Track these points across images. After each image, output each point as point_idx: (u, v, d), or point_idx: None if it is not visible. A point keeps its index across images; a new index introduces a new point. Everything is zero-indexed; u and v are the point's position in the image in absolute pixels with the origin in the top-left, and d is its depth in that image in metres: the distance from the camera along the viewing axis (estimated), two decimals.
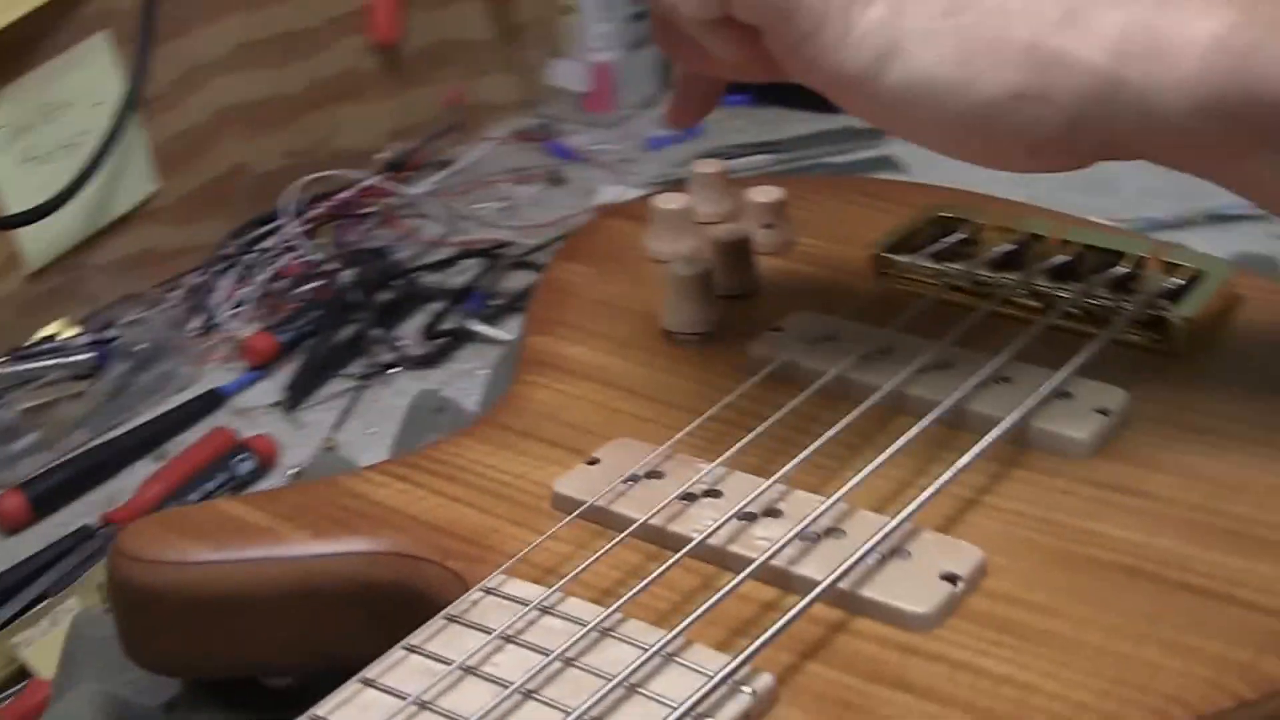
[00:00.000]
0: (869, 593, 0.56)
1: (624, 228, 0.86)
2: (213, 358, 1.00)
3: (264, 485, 0.87)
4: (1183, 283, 0.74)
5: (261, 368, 0.98)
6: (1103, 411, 0.65)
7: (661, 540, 0.59)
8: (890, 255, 0.79)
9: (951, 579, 0.56)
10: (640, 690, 0.51)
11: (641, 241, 0.83)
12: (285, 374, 0.97)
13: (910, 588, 0.56)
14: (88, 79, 1.01)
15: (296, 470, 0.87)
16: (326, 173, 1.16)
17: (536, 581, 0.57)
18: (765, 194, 0.82)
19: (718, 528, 0.58)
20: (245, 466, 0.86)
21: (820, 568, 0.56)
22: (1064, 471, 0.63)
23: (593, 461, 0.64)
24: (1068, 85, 0.57)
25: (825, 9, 0.58)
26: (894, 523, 0.58)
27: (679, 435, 0.65)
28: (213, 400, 0.95)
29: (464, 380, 0.94)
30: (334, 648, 0.62)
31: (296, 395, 0.94)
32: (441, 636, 0.54)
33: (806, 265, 0.81)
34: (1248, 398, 0.68)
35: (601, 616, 0.54)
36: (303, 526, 0.62)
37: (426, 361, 0.97)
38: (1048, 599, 0.56)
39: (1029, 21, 0.58)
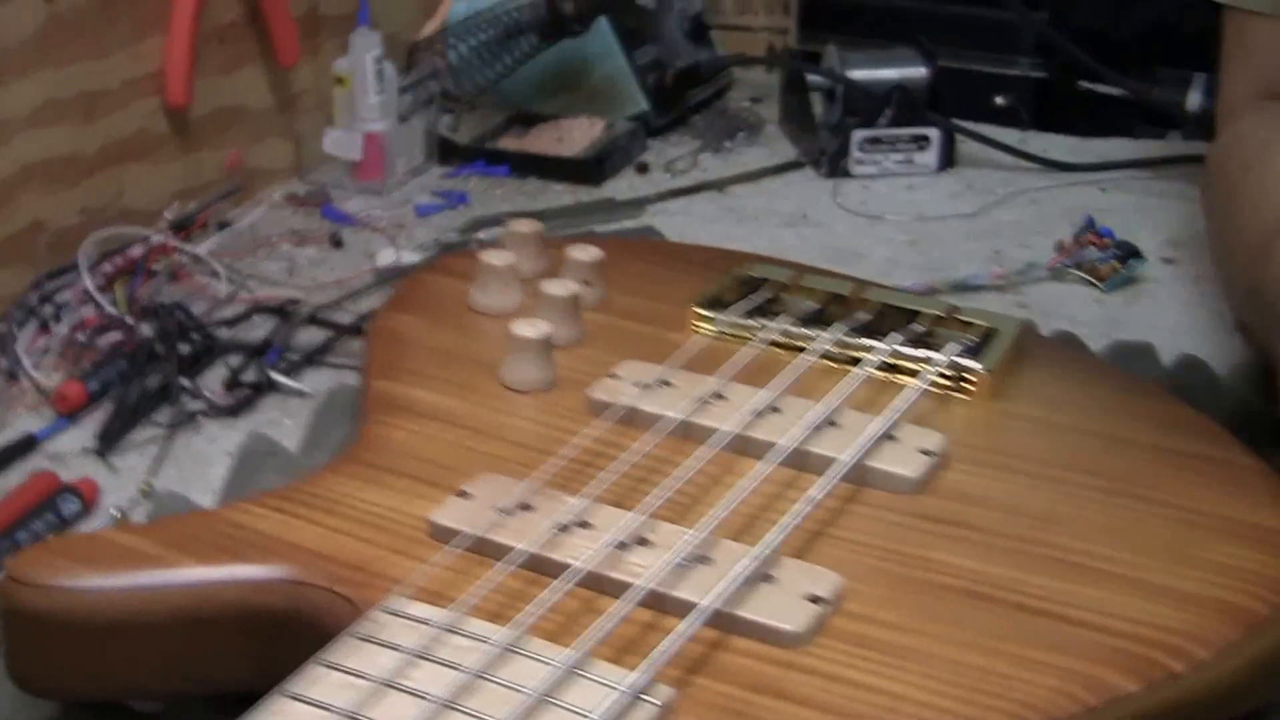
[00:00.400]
0: (745, 613, 0.60)
1: (444, 282, 0.90)
2: (19, 405, 1.01)
3: (86, 526, 0.89)
4: (978, 339, 0.80)
5: (70, 415, 0.99)
6: (926, 452, 0.71)
7: (540, 567, 0.63)
8: (706, 311, 0.84)
9: (816, 600, 0.61)
10: (557, 702, 0.55)
11: (463, 295, 0.87)
12: (93, 421, 0.99)
13: (780, 608, 0.61)
14: None
15: (120, 513, 0.89)
16: (117, 229, 1.18)
17: (429, 604, 0.61)
18: (585, 252, 0.86)
19: (598, 555, 0.62)
20: (70, 508, 0.88)
21: (697, 590, 0.61)
22: (897, 506, 0.69)
23: (463, 494, 0.67)
24: None
25: None
26: (760, 549, 0.62)
27: (542, 471, 0.69)
28: (27, 445, 0.96)
29: (270, 429, 0.97)
30: (216, 673, 0.65)
31: (108, 441, 0.96)
32: (356, 654, 0.57)
33: (624, 319, 0.86)
34: (1047, 440, 0.75)
35: (507, 635, 0.58)
36: (191, 554, 0.64)
37: (232, 411, 0.99)
38: (902, 619, 0.62)
39: None
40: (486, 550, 0.64)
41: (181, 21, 1.21)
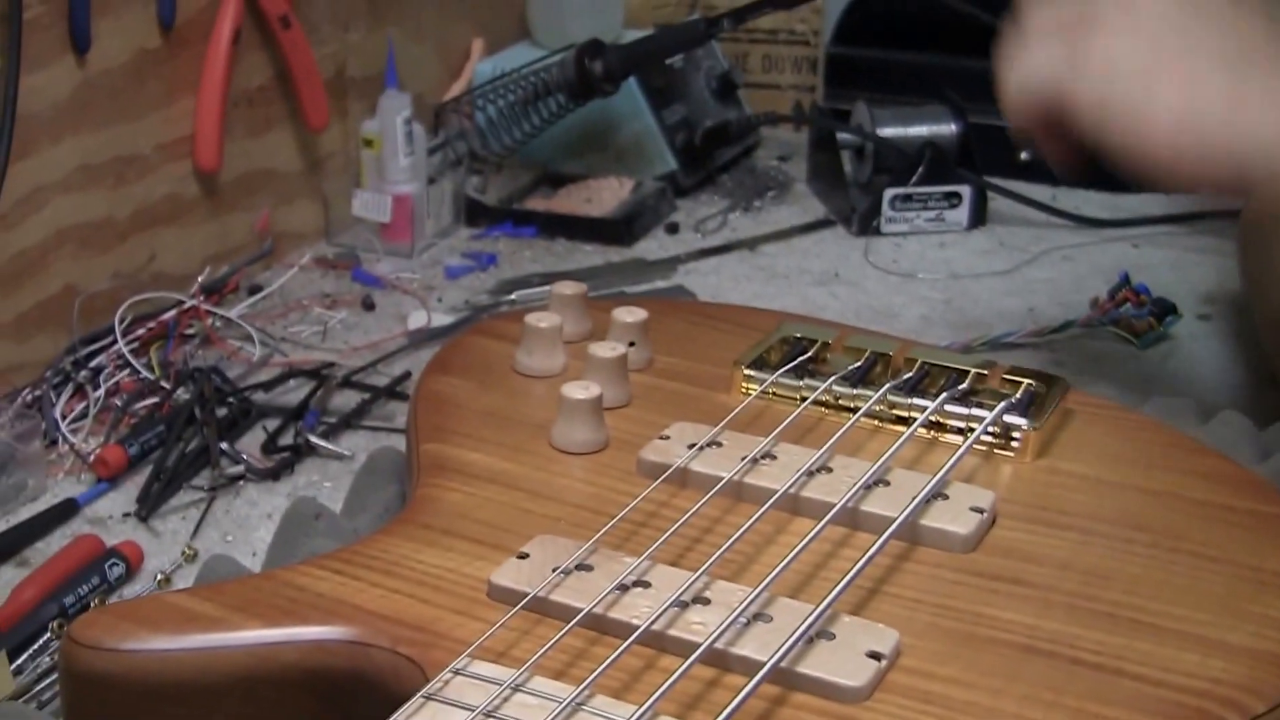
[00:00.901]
0: (806, 669, 0.60)
1: (488, 344, 0.90)
2: (58, 469, 1.01)
3: (131, 591, 0.89)
4: (1024, 396, 0.81)
5: (111, 479, 0.99)
6: (978, 510, 0.71)
7: (602, 626, 0.64)
8: (752, 371, 0.84)
9: (876, 656, 0.61)
10: None
11: (507, 357, 0.87)
12: (132, 485, 0.99)
13: (841, 664, 0.61)
14: None
15: (163, 576, 0.89)
16: (149, 294, 1.19)
17: (494, 664, 0.61)
18: (632, 313, 0.87)
19: (659, 614, 0.63)
20: (116, 570, 0.88)
21: (760, 648, 0.61)
22: (950, 564, 0.69)
23: (522, 555, 0.68)
24: None
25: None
26: (823, 605, 0.63)
27: (600, 532, 0.69)
28: (69, 509, 0.96)
29: (309, 492, 0.97)
30: None
31: (149, 505, 0.96)
32: (425, 713, 0.58)
33: (670, 380, 0.86)
34: (1094, 497, 0.75)
35: (574, 693, 0.58)
36: (253, 616, 0.65)
37: (272, 474, 0.99)
38: (959, 673, 0.62)
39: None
40: (548, 610, 0.65)
41: (211, 85, 1.22)
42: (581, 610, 0.63)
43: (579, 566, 0.67)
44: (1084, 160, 0.84)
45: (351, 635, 0.64)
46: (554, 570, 0.66)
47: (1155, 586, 0.68)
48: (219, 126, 1.22)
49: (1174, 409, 0.96)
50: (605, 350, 0.82)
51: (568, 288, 0.90)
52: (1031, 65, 0.84)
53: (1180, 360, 1.12)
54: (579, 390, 0.78)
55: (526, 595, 0.65)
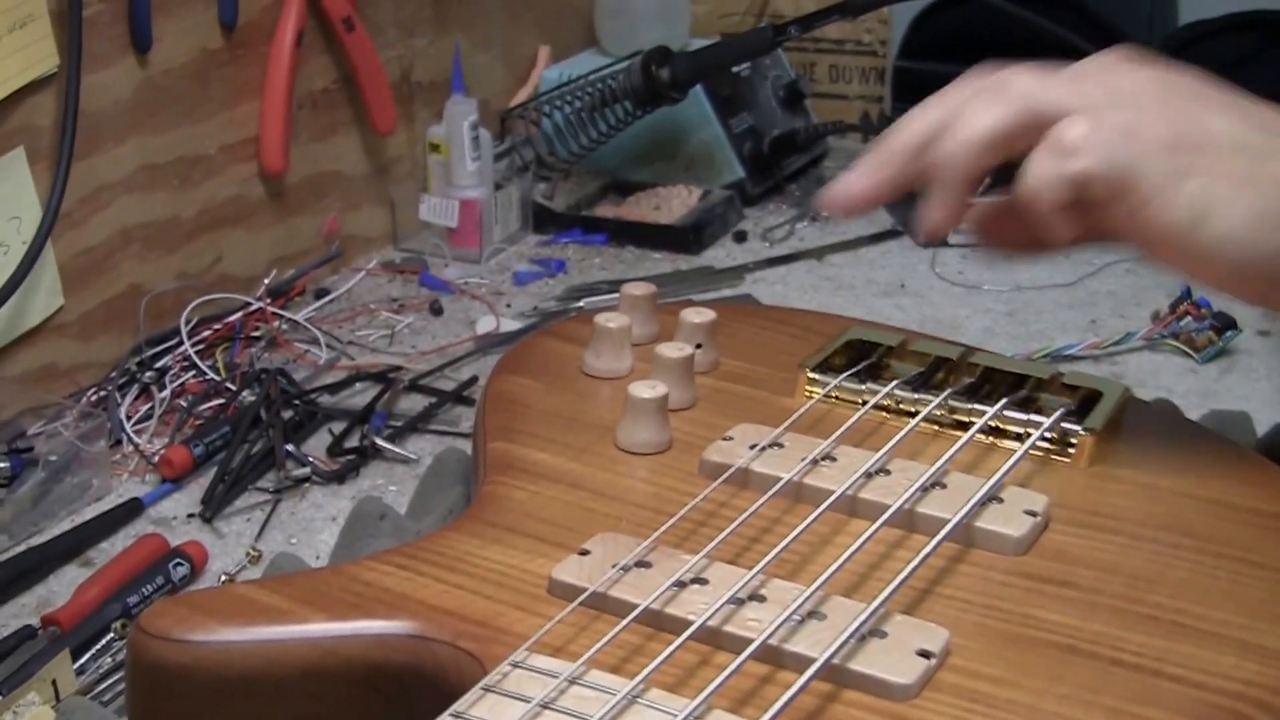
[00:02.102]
0: (857, 666, 0.61)
1: (556, 345, 0.91)
2: (123, 470, 1.03)
3: (195, 590, 0.90)
4: (1081, 403, 0.81)
5: (176, 480, 1.01)
6: (1031, 513, 0.72)
7: (658, 623, 0.65)
8: (816, 374, 0.85)
9: (926, 654, 0.62)
10: None
11: (575, 359, 0.88)
12: (198, 487, 1.01)
13: (892, 662, 0.62)
14: (4, 193, 1.04)
15: (227, 577, 0.91)
16: (215, 295, 1.20)
17: (553, 658, 0.62)
18: (700, 314, 0.88)
19: (715, 610, 0.63)
20: (180, 571, 0.90)
21: (813, 645, 0.62)
22: (1000, 566, 0.70)
23: (584, 552, 0.69)
24: None
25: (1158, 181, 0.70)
26: (876, 604, 0.64)
27: (660, 530, 0.70)
28: (134, 509, 0.98)
29: (375, 494, 0.98)
30: None
31: (214, 506, 0.98)
32: (484, 704, 0.59)
33: (735, 383, 0.87)
34: (1145, 503, 0.76)
35: (630, 686, 0.59)
36: (320, 609, 0.66)
37: (337, 477, 1.01)
38: (1005, 673, 0.63)
39: None
40: (606, 606, 0.66)
41: (275, 88, 1.23)
42: (638, 606, 0.64)
43: (638, 564, 0.68)
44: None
45: (415, 630, 0.65)
46: (614, 567, 0.67)
47: (1198, 591, 0.68)
48: (284, 128, 1.24)
49: (1228, 420, 0.96)
50: (672, 351, 0.83)
51: (637, 288, 0.91)
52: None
53: (1238, 375, 1.12)
54: (645, 389, 0.79)
55: (586, 591, 0.66)
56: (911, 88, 1.64)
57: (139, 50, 1.13)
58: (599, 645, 0.62)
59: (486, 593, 0.67)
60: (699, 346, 0.87)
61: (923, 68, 1.67)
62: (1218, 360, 1.15)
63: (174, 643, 0.65)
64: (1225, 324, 1.15)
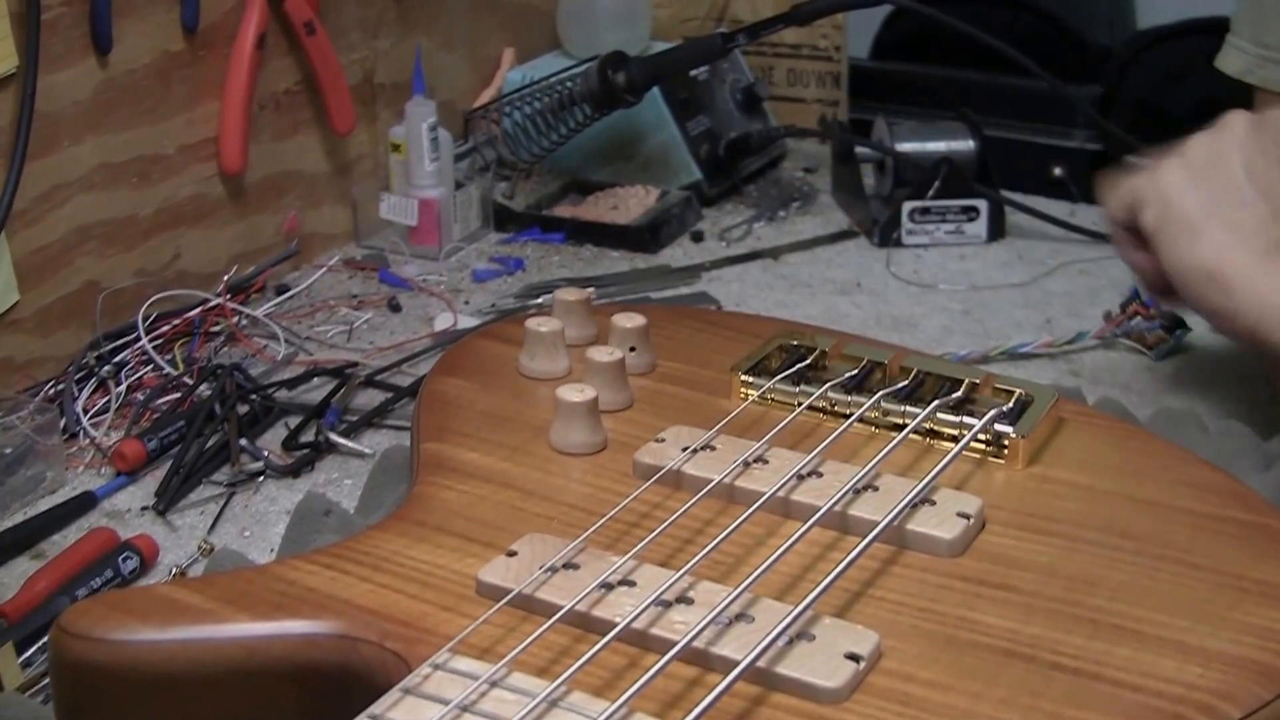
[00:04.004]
0: (784, 670, 0.61)
1: (494, 347, 0.92)
2: (79, 462, 1.03)
3: (145, 584, 0.90)
4: (1014, 406, 0.81)
5: (130, 473, 1.01)
6: (964, 515, 0.72)
7: (585, 624, 0.65)
8: (749, 377, 0.85)
9: (854, 658, 0.62)
10: None
11: (513, 359, 0.89)
12: (153, 480, 1.01)
13: (819, 665, 0.62)
14: None
15: (179, 570, 0.91)
16: (173, 292, 1.20)
17: (476, 659, 0.62)
18: (631, 319, 0.88)
19: (640, 612, 0.64)
20: (130, 564, 0.89)
21: (738, 648, 0.62)
22: (935, 568, 0.70)
23: (511, 553, 0.69)
24: None
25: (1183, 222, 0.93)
26: (800, 608, 0.64)
27: (588, 531, 0.70)
28: (87, 502, 0.98)
29: (328, 489, 0.98)
30: None
31: (168, 500, 0.98)
32: (402, 706, 0.59)
33: (671, 384, 0.87)
34: (1083, 504, 0.76)
35: (550, 689, 0.59)
36: (243, 609, 0.66)
37: (291, 471, 1.01)
38: (939, 676, 0.63)
39: None
40: (533, 607, 0.66)
41: (236, 89, 1.23)
42: (564, 607, 0.64)
43: (566, 565, 0.68)
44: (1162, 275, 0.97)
45: (340, 629, 0.65)
46: (541, 568, 0.67)
47: (1138, 593, 0.68)
48: (243, 129, 1.24)
49: (1178, 418, 0.97)
50: (603, 355, 0.83)
51: (570, 294, 0.92)
52: (1127, 182, 0.98)
53: (1193, 372, 1.12)
54: (573, 393, 0.79)
55: (512, 592, 0.66)
56: (869, 88, 1.65)
57: (100, 52, 1.13)
58: (522, 647, 0.62)
59: (413, 592, 0.68)
60: (632, 349, 0.87)
61: (879, 68, 1.68)
62: (1173, 358, 1.15)
63: (94, 641, 0.64)
64: (1174, 322, 1.16)
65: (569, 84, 1.42)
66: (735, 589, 0.65)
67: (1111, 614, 0.67)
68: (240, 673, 0.65)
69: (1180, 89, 1.53)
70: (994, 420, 0.80)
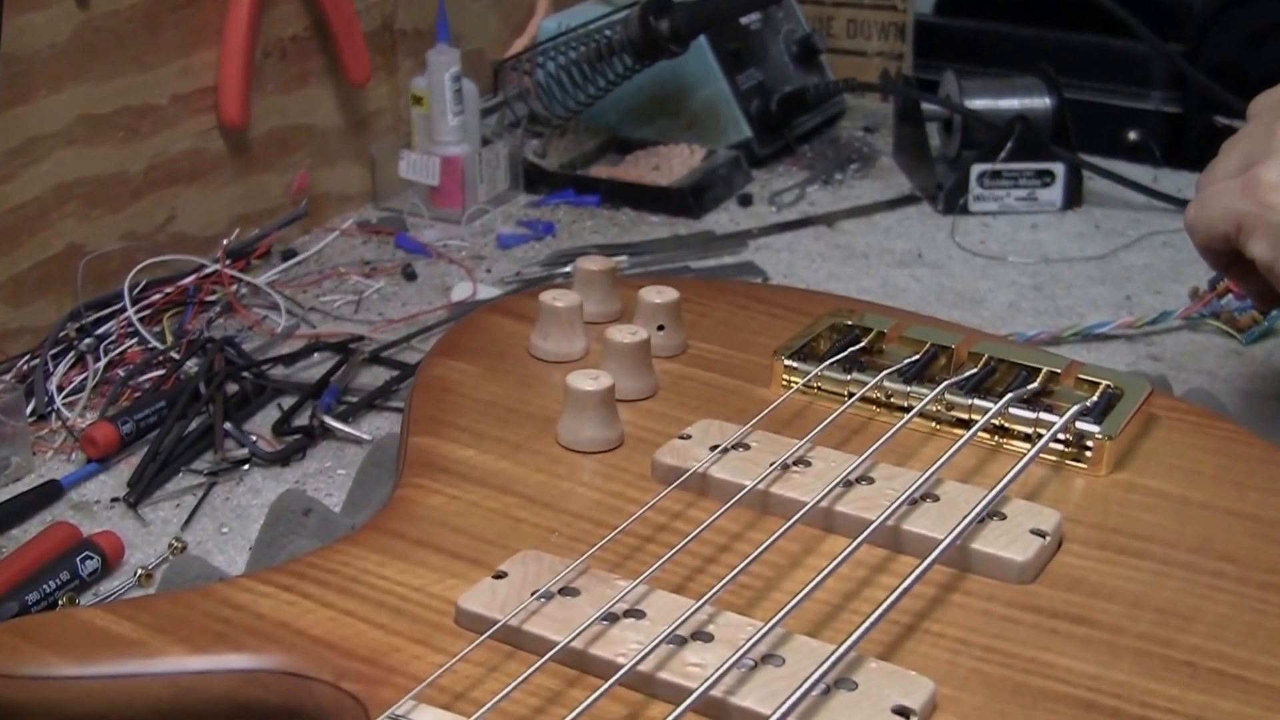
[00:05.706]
0: None
1: (505, 324, 0.81)
2: (49, 447, 0.93)
3: (108, 586, 0.80)
4: (1100, 400, 0.71)
5: (101, 460, 0.91)
6: (1039, 533, 0.62)
7: (583, 665, 0.55)
8: (793, 363, 0.75)
9: (904, 713, 0.52)
10: None
11: (525, 339, 0.78)
12: (127, 467, 0.91)
13: None
14: None
15: (144, 572, 0.81)
16: (167, 257, 1.10)
17: (447, 709, 0.52)
18: (661, 293, 0.78)
19: (647, 653, 0.53)
20: (90, 565, 0.80)
21: (764, 698, 0.52)
22: (1004, 597, 0.60)
23: (499, 575, 0.59)
24: None
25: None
26: (840, 650, 0.53)
27: (592, 549, 0.60)
28: (52, 492, 0.88)
29: (320, 479, 0.88)
30: None
31: (140, 491, 0.87)
32: None
33: (703, 370, 0.77)
34: (1178, 520, 0.65)
35: None
36: (177, 640, 0.56)
37: (280, 459, 0.90)
38: None
39: None
40: (521, 642, 0.56)
41: (235, 34, 1.13)
42: (557, 644, 0.54)
43: (564, 590, 0.58)
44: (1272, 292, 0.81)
45: (289, 666, 0.55)
46: (533, 594, 0.57)
47: (1242, 630, 0.58)
48: (245, 78, 1.14)
49: (1274, 413, 0.85)
50: (624, 335, 0.73)
51: (592, 263, 0.81)
52: (1211, 197, 0.82)
53: None
54: (585, 380, 0.68)
55: (496, 623, 0.56)
56: (935, 43, 1.56)
57: None
58: (504, 693, 0.52)
59: (381, 621, 0.57)
60: (661, 328, 0.77)
61: (947, 22, 1.59)
62: (1264, 342, 1.05)
63: (4, 678, 0.55)
64: None
65: (608, 32, 1.33)
66: (763, 625, 0.54)
67: (1211, 655, 0.57)
68: (170, 715, 0.55)
69: (1263, 51, 1.43)
70: (1077, 417, 0.68)
